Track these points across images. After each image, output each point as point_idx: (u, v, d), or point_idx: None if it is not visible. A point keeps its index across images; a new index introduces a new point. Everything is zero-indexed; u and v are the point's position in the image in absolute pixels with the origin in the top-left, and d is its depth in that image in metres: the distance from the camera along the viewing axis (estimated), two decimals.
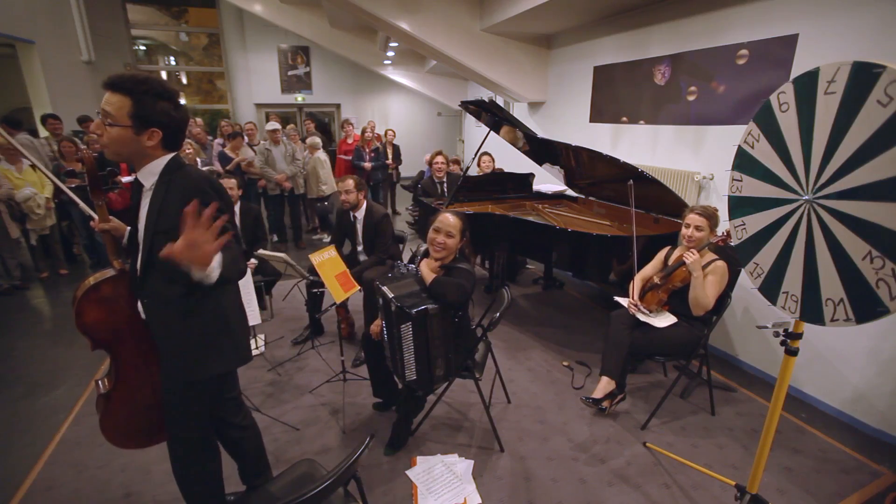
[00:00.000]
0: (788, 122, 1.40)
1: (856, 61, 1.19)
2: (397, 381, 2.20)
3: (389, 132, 7.64)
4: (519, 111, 6.48)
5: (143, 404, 1.70)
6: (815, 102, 1.31)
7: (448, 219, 2.23)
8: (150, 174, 1.44)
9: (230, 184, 3.67)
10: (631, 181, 3.14)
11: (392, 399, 2.67)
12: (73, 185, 4.76)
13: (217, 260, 1.30)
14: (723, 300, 2.59)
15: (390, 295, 2.09)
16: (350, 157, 7.02)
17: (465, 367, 2.34)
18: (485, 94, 6.89)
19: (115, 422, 1.68)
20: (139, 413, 1.70)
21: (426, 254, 2.36)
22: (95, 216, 1.62)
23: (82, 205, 1.71)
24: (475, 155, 4.49)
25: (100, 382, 1.69)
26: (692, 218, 2.58)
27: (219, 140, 6.23)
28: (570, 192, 4.56)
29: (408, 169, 8.52)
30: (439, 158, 5.13)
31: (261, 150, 5.77)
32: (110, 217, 1.63)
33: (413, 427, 2.52)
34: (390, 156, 7.39)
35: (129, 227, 1.62)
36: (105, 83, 1.34)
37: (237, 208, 3.76)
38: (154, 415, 1.72)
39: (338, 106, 11.85)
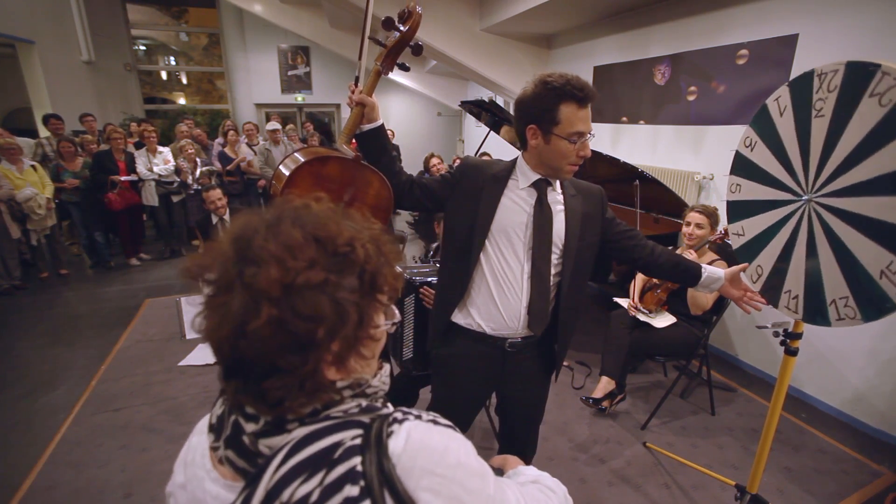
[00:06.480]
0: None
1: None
2: (393, 363, 2.20)
3: (389, 132, 7.64)
4: None
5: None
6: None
7: None
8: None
9: (216, 194, 3.58)
10: (637, 182, 3.15)
11: (392, 400, 2.67)
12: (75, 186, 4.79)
13: None
14: (722, 300, 2.59)
15: (398, 270, 2.11)
16: None
17: None
18: (485, 94, 6.91)
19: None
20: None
21: None
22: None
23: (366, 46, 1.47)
24: (475, 155, 4.49)
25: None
26: (693, 216, 2.60)
27: (219, 140, 6.23)
28: None
29: (408, 169, 8.32)
30: (434, 160, 5.10)
31: (261, 150, 5.77)
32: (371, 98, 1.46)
33: None
34: None
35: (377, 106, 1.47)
36: (592, 98, 1.24)
37: (226, 216, 3.67)
38: None
39: (338, 106, 11.83)
